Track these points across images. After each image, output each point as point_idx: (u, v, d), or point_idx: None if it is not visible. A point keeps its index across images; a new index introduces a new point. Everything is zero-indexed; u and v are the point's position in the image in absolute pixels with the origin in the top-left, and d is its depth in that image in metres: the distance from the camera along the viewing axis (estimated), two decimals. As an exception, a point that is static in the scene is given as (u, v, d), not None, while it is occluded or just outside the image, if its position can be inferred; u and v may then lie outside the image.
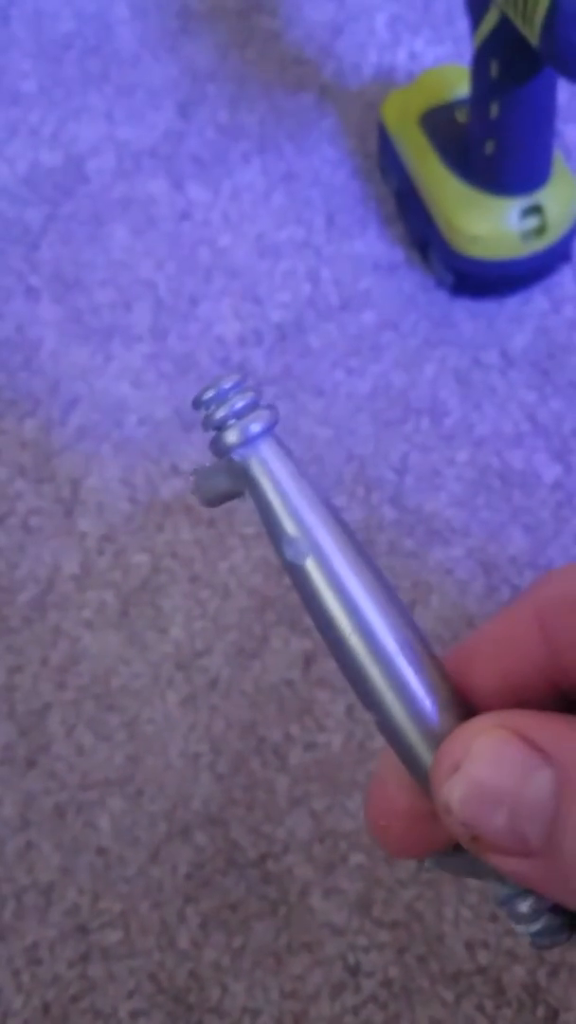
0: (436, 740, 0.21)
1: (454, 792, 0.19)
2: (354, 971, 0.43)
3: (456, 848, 0.22)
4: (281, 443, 0.23)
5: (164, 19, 0.67)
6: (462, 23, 0.57)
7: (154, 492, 0.53)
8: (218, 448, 0.23)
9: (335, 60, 0.65)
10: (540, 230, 0.53)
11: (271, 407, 0.23)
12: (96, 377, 0.56)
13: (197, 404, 0.23)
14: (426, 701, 0.22)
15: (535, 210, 0.52)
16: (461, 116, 0.55)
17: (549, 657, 0.22)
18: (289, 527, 0.22)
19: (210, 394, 0.23)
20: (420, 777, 0.22)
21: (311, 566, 0.22)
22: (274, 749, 0.47)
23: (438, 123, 0.55)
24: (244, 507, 0.23)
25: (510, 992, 0.43)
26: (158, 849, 0.45)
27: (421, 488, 0.52)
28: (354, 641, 0.22)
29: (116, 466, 0.53)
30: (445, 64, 0.62)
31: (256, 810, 0.46)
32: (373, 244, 0.59)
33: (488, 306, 0.56)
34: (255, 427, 0.22)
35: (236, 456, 0.23)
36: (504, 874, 0.20)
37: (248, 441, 0.22)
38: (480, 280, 0.54)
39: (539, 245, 0.53)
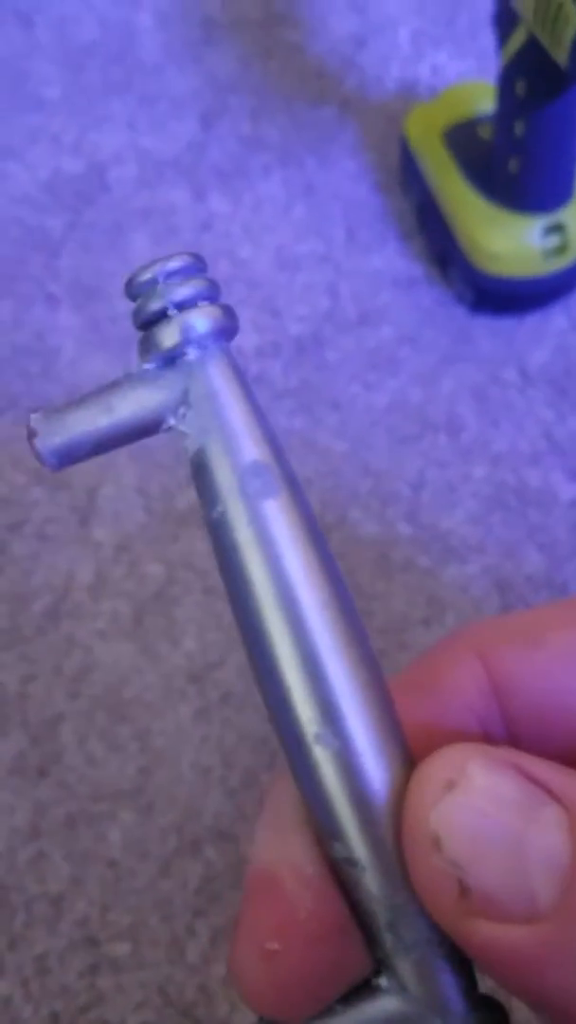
0: (391, 762, 0.16)
1: (445, 819, 0.14)
2: (362, 989, 0.43)
3: (354, 996, 0.16)
4: (235, 361, 0.18)
5: (188, 29, 0.67)
6: (485, 39, 0.57)
7: (169, 502, 0.53)
8: (153, 346, 0.17)
9: (357, 73, 0.65)
10: (562, 248, 0.53)
11: (227, 306, 0.18)
12: (114, 386, 0.55)
13: (131, 289, 0.18)
14: (371, 739, 0.16)
15: (557, 228, 0.52)
16: (484, 133, 0.55)
17: (490, 702, 0.17)
18: (253, 453, 0.17)
19: (146, 275, 0.17)
20: (344, 838, 0.16)
21: (278, 509, 0.17)
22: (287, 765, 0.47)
23: (461, 139, 0.55)
24: None
25: None
26: (168, 862, 0.45)
27: (437, 504, 0.52)
28: (296, 606, 0.17)
29: (132, 475, 0.53)
30: (468, 80, 0.62)
31: (267, 825, 0.46)
32: (392, 259, 0.59)
33: (507, 323, 0.56)
34: (216, 322, 0.17)
35: (190, 355, 0.17)
36: (490, 956, 0.14)
37: (205, 338, 0.17)
38: (500, 297, 0.54)
39: (561, 263, 0.53)
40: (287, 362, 0.56)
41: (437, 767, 0.15)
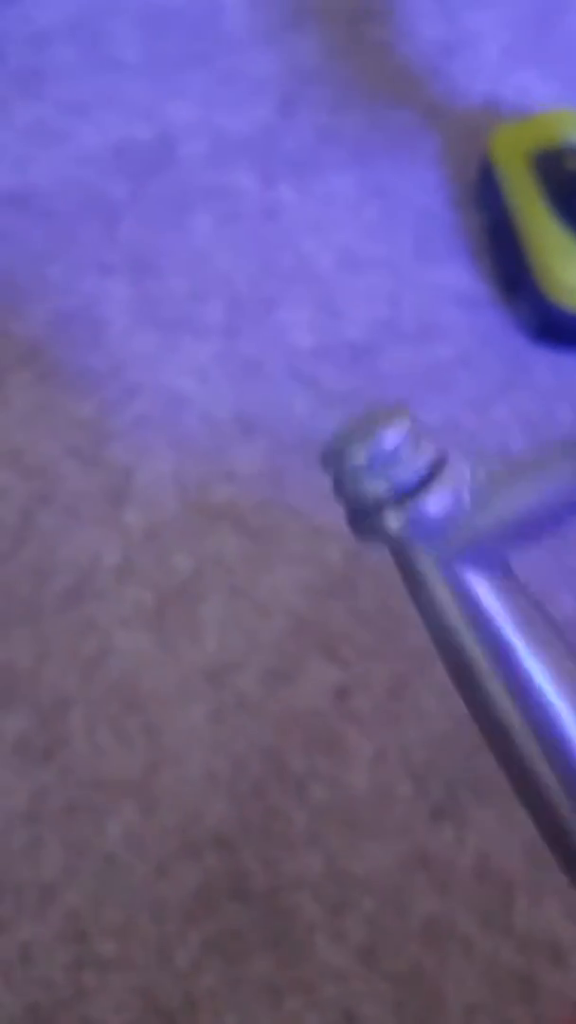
0: None
1: None
2: (350, 1018, 0.42)
3: None
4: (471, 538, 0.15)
5: (276, 11, 0.65)
6: (574, 64, 0.56)
7: (205, 495, 0.52)
8: (363, 534, 0.16)
9: (443, 81, 0.63)
10: None
11: (459, 472, 0.15)
12: (161, 367, 0.54)
13: (330, 462, 0.15)
14: None
15: None
16: (572, 164, 0.54)
17: None
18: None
19: (361, 457, 0.15)
20: None
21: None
22: (296, 779, 0.46)
23: (548, 166, 0.54)
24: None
25: (504, 1064, 0.42)
26: (166, 864, 0.44)
27: (478, 534, 0.51)
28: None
29: (169, 462, 0.52)
30: (554, 103, 0.61)
31: (270, 839, 0.45)
32: (459, 276, 0.57)
33: (568, 358, 0.55)
34: (434, 509, 0.15)
35: (407, 539, 0.16)
36: None
37: (422, 526, 0.15)
38: (567, 331, 0.53)
39: (632, 307, 0.52)
40: (340, 367, 0.55)
41: None
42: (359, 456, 0.14)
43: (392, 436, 0.14)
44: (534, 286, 0.53)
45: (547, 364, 0.55)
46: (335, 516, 0.50)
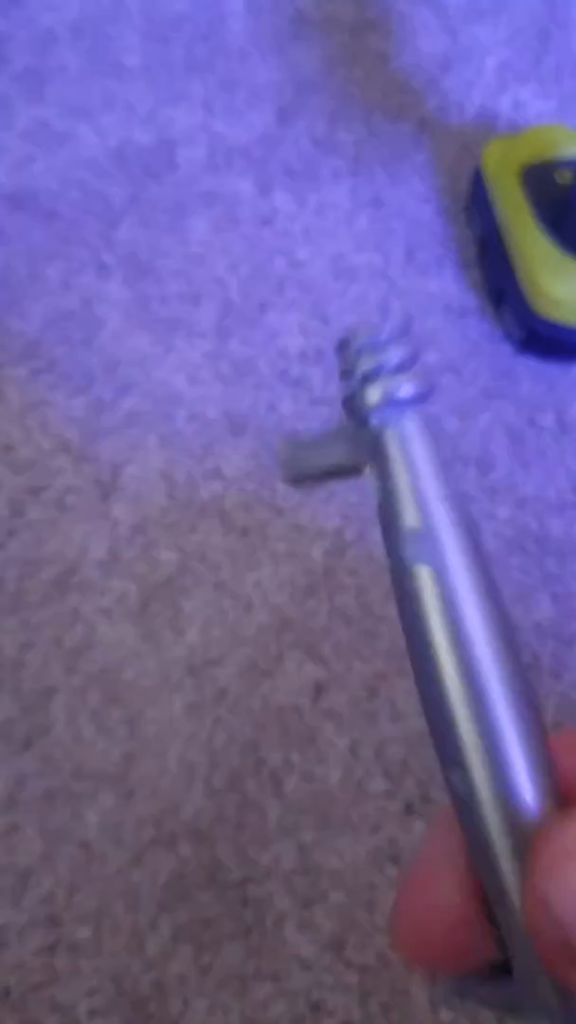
0: (527, 823, 0.17)
1: (556, 883, 0.16)
2: (316, 1007, 0.43)
3: (489, 973, 0.18)
4: (430, 420, 0.19)
5: (277, 21, 0.66)
6: (570, 82, 0.57)
7: (193, 491, 0.52)
8: (353, 406, 0.19)
9: (439, 95, 0.65)
10: (620, 305, 0.53)
11: (425, 375, 0.19)
12: (153, 366, 0.55)
13: (343, 347, 0.19)
14: (526, 775, 0.18)
15: (620, 285, 0.52)
16: (561, 177, 0.55)
17: None
18: (413, 519, 0.19)
19: (361, 339, 0.19)
20: (488, 863, 0.18)
21: (427, 575, 0.19)
22: (272, 773, 0.47)
23: (538, 180, 0.55)
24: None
25: (466, 1057, 0.43)
26: (141, 853, 0.45)
27: (459, 538, 0.51)
28: (455, 680, 0.18)
29: (159, 458, 0.53)
30: (548, 120, 0.62)
31: (244, 831, 0.45)
32: (447, 286, 0.58)
33: (552, 369, 0.56)
34: (405, 390, 0.19)
35: (374, 419, 0.19)
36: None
37: (392, 404, 0.19)
38: (551, 342, 0.54)
39: (617, 320, 0.53)
40: (329, 371, 0.56)
41: (555, 839, 0.17)
42: (358, 338, 0.19)
43: (387, 329, 0.19)
44: (520, 297, 0.54)
45: (531, 374, 0.56)
46: (319, 516, 0.51)
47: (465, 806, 0.18)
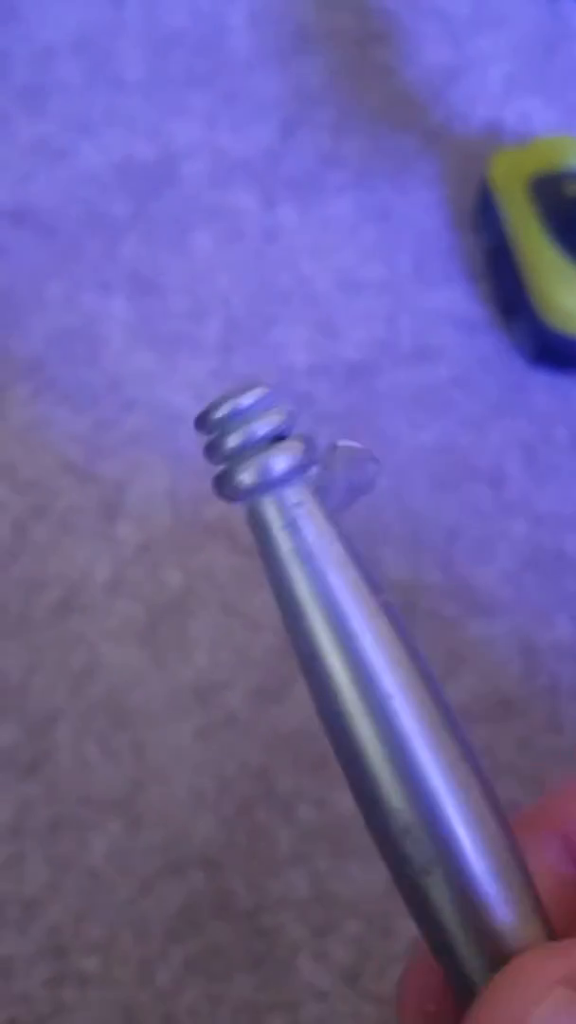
0: (495, 939, 0.17)
1: None
2: (330, 1041, 0.42)
3: None
4: (317, 493, 0.18)
5: (280, 34, 0.66)
6: (580, 93, 0.56)
7: (198, 511, 0.51)
8: (223, 489, 0.18)
9: (445, 106, 0.64)
10: (632, 317, 0.52)
11: (307, 438, 0.18)
12: (157, 384, 0.54)
13: (202, 423, 0.18)
14: (488, 882, 0.18)
15: (631, 296, 0.52)
16: (570, 189, 0.54)
17: None
18: (282, 619, 0.18)
19: (223, 411, 0.18)
20: (459, 977, 0.17)
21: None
22: (282, 800, 0.45)
23: (546, 191, 0.54)
24: None
25: None
26: (150, 881, 0.44)
27: (472, 556, 0.51)
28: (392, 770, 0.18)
29: (164, 478, 0.52)
30: (555, 130, 0.61)
31: (256, 860, 0.44)
32: (456, 298, 0.58)
33: (564, 382, 0.55)
34: (279, 464, 0.18)
35: (250, 500, 0.18)
36: None
37: (268, 484, 0.18)
38: (563, 355, 0.53)
39: (629, 332, 0.52)
40: (336, 386, 0.55)
41: (501, 1007, 0.16)
42: (222, 410, 0.17)
43: (249, 397, 0.18)
44: (531, 310, 0.53)
45: (543, 387, 0.55)
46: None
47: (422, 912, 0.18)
